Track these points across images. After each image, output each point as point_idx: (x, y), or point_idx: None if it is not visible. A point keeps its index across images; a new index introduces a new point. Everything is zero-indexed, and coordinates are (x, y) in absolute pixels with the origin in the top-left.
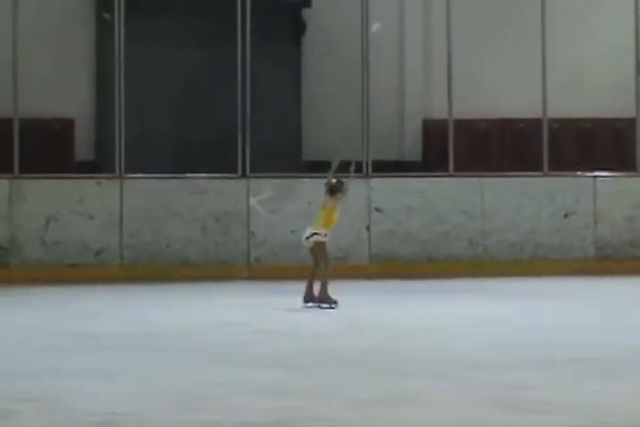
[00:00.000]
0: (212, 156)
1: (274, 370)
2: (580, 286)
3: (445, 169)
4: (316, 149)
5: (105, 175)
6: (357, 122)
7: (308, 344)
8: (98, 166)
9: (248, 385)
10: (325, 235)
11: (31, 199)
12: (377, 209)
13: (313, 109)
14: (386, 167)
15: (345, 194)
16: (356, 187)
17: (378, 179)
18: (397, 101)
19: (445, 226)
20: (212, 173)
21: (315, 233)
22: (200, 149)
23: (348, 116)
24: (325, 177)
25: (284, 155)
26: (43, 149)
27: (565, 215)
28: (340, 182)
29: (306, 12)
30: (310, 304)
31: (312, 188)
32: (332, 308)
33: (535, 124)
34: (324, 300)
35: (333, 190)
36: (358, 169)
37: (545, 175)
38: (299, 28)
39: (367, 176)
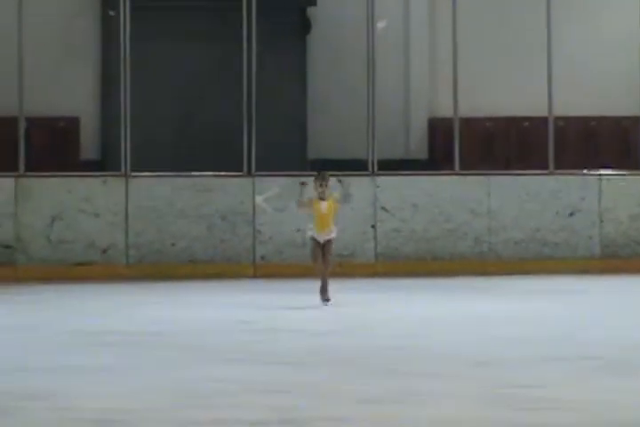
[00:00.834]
0: (218, 154)
1: (279, 368)
2: (585, 284)
3: (451, 167)
4: (321, 147)
5: (111, 173)
6: (363, 120)
7: (313, 342)
8: (103, 165)
9: (253, 383)
10: (311, 228)
11: (37, 198)
12: (383, 208)
13: (319, 107)
14: (392, 166)
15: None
16: (362, 185)
17: (383, 177)
18: (403, 100)
19: (451, 224)
20: (217, 171)
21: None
22: (206, 148)
23: (354, 114)
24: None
25: (290, 153)
26: (48, 147)
27: (571, 213)
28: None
29: (311, 10)
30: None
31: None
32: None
33: (541, 122)
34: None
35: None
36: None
37: (550, 174)
38: (304, 26)
39: (373, 174)
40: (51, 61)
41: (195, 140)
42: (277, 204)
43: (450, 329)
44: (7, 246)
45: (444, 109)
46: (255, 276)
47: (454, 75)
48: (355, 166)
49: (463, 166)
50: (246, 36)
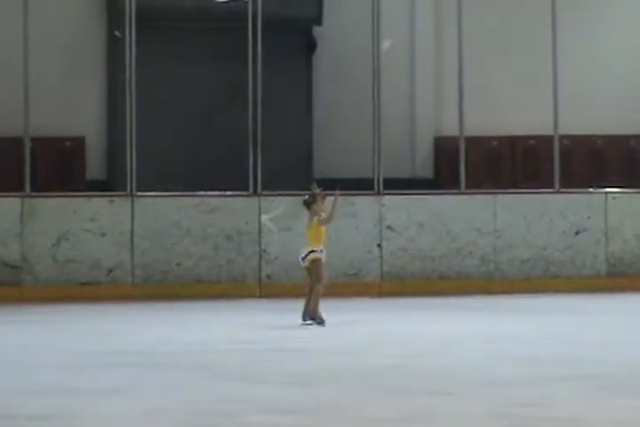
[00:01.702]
0: (224, 173)
1: (286, 387)
2: (591, 302)
3: (457, 186)
4: (327, 166)
5: (116, 193)
6: (369, 139)
7: (320, 362)
8: (109, 184)
9: (261, 403)
10: (321, 251)
11: (43, 218)
12: (389, 227)
13: (324, 127)
14: (397, 185)
15: (321, 204)
16: (367, 204)
17: (389, 196)
18: (409, 119)
19: (457, 243)
20: (223, 190)
21: (311, 251)
22: (211, 167)
23: (360, 133)
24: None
25: (296, 172)
26: (54, 167)
27: (577, 232)
28: (310, 195)
29: (317, 30)
30: (309, 322)
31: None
32: (320, 325)
33: (546, 141)
34: (314, 316)
35: (307, 203)
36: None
37: (556, 192)
38: (310, 45)
39: (379, 193)
40: (56, 81)
41: (200, 160)
42: (283, 223)
43: (457, 348)
44: (13, 266)
45: (450, 128)
46: (261, 295)
47: (460, 94)
48: (360, 185)
49: (469, 185)
50: (252, 56)
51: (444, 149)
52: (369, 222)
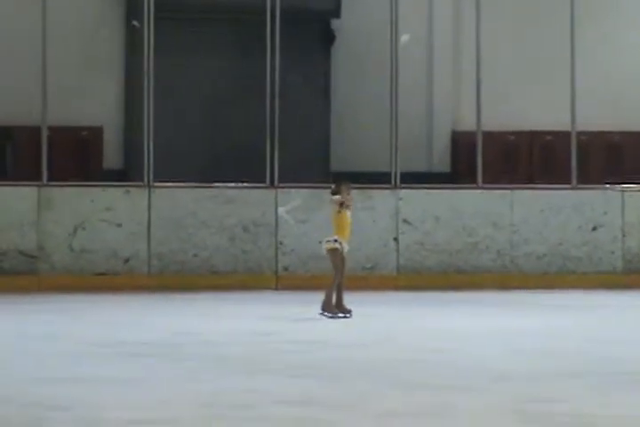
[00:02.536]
0: (242, 165)
1: (301, 380)
2: (607, 298)
3: (474, 181)
4: (344, 159)
5: (133, 184)
6: (386, 133)
7: (335, 355)
8: (126, 174)
9: (276, 395)
10: (335, 241)
11: (59, 207)
12: (405, 220)
13: (342, 120)
14: (414, 178)
15: (346, 194)
16: (384, 198)
17: (406, 190)
18: (426, 113)
19: (474, 237)
20: (240, 182)
21: (327, 240)
22: (229, 159)
23: (377, 126)
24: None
25: (313, 165)
26: (71, 157)
27: (594, 228)
28: (336, 185)
29: (335, 23)
30: (340, 315)
31: None
32: (332, 317)
33: (564, 136)
34: (325, 309)
35: (334, 192)
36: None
37: (573, 188)
38: (328, 38)
39: (395, 187)
40: (74, 71)
41: (218, 151)
42: (300, 215)
43: (473, 343)
44: (30, 256)
45: (467, 123)
46: (277, 287)
47: (477, 88)
48: (377, 179)
49: (486, 180)
50: (270, 48)
51: (462, 144)
52: (386, 216)
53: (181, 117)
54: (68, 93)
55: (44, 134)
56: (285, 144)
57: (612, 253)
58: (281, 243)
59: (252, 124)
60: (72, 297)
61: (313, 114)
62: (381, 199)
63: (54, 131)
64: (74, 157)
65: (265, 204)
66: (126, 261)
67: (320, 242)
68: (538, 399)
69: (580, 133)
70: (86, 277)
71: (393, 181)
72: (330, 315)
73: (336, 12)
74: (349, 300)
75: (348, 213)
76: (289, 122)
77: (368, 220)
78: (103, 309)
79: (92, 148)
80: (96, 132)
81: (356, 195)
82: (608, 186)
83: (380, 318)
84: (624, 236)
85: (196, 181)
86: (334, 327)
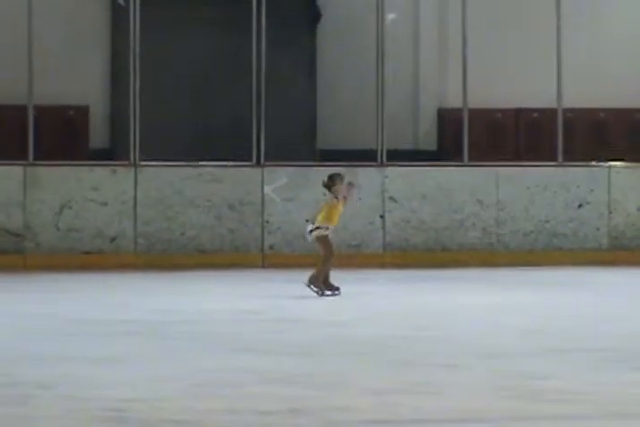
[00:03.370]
0: (227, 143)
1: (288, 358)
2: (593, 275)
3: (460, 158)
4: (330, 137)
5: (119, 163)
6: (372, 111)
7: (322, 333)
8: (112, 153)
9: (263, 373)
10: (327, 228)
11: (46, 186)
12: (391, 198)
13: (328, 98)
14: (400, 156)
15: (341, 185)
16: (370, 175)
17: (392, 168)
18: (412, 90)
19: (460, 215)
20: (226, 160)
21: (317, 227)
22: (215, 137)
23: (363, 104)
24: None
25: (299, 143)
26: (57, 136)
27: (580, 205)
28: (329, 178)
29: (321, 1)
30: (329, 293)
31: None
32: (318, 294)
33: (550, 113)
34: (313, 282)
35: (328, 186)
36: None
37: (559, 165)
38: (314, 16)
39: (382, 165)
40: (60, 50)
41: (204, 130)
42: (286, 194)
43: (460, 320)
44: (16, 235)
45: (454, 100)
46: (264, 266)
47: (464, 65)
48: (363, 157)
49: (472, 157)
50: (256, 26)
51: (448, 121)
52: (372, 194)
53: (167, 97)
54: (55, 73)
55: (31, 114)
56: (271, 123)
57: (598, 229)
58: (267, 221)
59: (239, 103)
60: (58, 276)
61: (299, 92)
62: (367, 177)
63: (40, 110)
64: (60, 136)
65: (251, 182)
66: (113, 240)
67: (307, 223)
68: (526, 376)
69: (566, 111)
70: (73, 257)
71: (379, 159)
72: (316, 290)
73: None
74: (336, 278)
75: (342, 206)
76: (275, 101)
77: (354, 197)
78: (89, 288)
79: (78, 127)
80: (82, 112)
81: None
82: (594, 163)
83: (367, 296)
84: (610, 213)
85: (182, 160)
86: (320, 306)
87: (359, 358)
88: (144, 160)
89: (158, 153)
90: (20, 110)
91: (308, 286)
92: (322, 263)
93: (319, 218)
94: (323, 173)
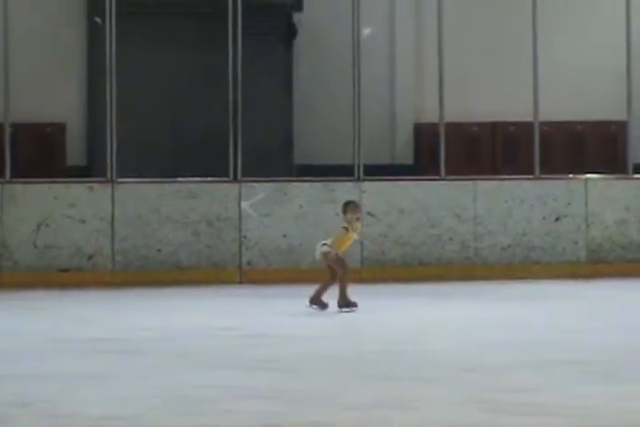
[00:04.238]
0: (204, 159)
1: (266, 374)
2: (571, 288)
3: (437, 172)
4: (307, 152)
5: (96, 180)
6: (349, 125)
7: (299, 348)
8: (90, 170)
9: (240, 389)
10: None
11: (23, 204)
12: (369, 213)
13: (304, 113)
14: (377, 171)
15: (353, 215)
16: (347, 190)
17: (369, 182)
18: (389, 105)
19: (437, 229)
20: (203, 176)
21: (323, 244)
22: (192, 153)
23: (340, 119)
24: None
25: (276, 158)
26: (34, 153)
27: (557, 218)
28: (345, 204)
29: (297, 16)
30: (346, 309)
31: (304, 191)
32: (353, 310)
33: (526, 127)
34: (343, 302)
35: (343, 211)
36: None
37: (536, 178)
38: (290, 31)
39: (359, 180)
40: (37, 67)
41: (181, 146)
42: (263, 209)
43: (437, 335)
44: None
45: (430, 114)
46: (241, 281)
47: (440, 80)
48: (341, 172)
49: (449, 171)
50: (232, 41)
51: (424, 136)
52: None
53: (144, 112)
54: (31, 90)
55: (7, 131)
56: (248, 138)
57: (576, 243)
58: (244, 237)
59: (215, 118)
60: (35, 294)
61: (276, 108)
62: (344, 192)
63: (17, 127)
64: (37, 153)
65: (228, 198)
66: (90, 257)
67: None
68: (503, 390)
69: (542, 124)
70: (50, 274)
71: (356, 174)
72: (348, 309)
73: (298, 6)
74: (312, 292)
75: (354, 235)
76: (252, 116)
77: (331, 212)
78: (67, 305)
79: (55, 144)
80: (59, 129)
81: (319, 188)
82: (571, 176)
83: (344, 311)
84: (587, 226)
85: (159, 177)
86: (298, 321)
87: (337, 373)
88: (121, 177)
89: (135, 170)
90: None
91: (340, 309)
92: (340, 281)
93: (331, 242)
94: (300, 188)
